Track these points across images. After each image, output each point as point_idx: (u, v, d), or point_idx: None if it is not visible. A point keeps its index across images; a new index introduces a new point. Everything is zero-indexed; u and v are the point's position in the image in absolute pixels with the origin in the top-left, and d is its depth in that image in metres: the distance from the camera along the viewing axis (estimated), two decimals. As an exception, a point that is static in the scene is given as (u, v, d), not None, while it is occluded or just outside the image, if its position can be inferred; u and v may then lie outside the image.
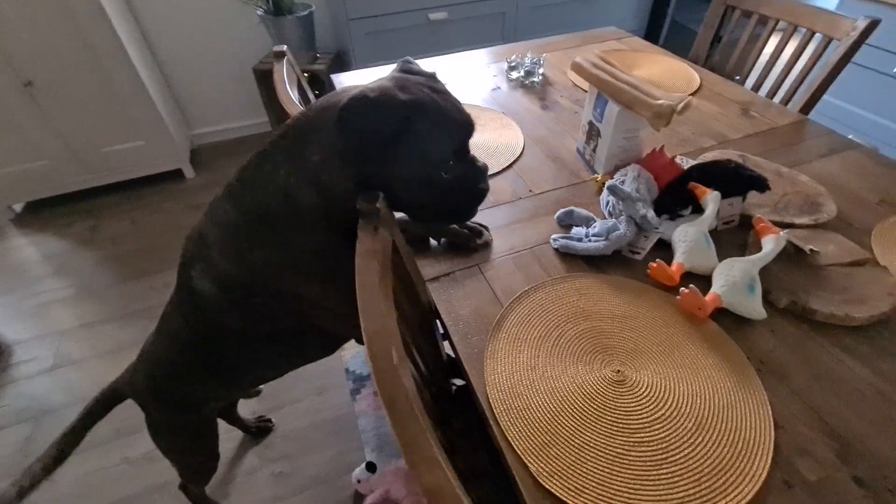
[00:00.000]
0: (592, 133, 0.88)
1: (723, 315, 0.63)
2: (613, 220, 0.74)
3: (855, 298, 0.62)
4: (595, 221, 0.76)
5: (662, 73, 1.23)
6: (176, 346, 0.68)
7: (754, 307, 0.61)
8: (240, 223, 0.57)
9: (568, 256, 0.73)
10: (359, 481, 1.11)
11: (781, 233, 0.68)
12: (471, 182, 0.62)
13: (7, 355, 1.58)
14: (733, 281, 0.62)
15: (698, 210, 0.75)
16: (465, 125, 0.59)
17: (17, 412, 1.41)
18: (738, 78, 1.29)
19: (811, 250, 0.68)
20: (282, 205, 0.55)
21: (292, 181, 0.55)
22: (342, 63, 2.23)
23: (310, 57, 2.14)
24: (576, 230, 0.76)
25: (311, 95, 1.09)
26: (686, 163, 0.87)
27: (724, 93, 1.14)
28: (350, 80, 1.26)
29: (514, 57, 1.26)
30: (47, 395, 1.45)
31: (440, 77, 1.23)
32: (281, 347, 0.68)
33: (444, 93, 0.58)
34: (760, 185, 0.73)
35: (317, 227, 0.56)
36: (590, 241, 0.73)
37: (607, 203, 0.78)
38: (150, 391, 0.76)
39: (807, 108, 1.08)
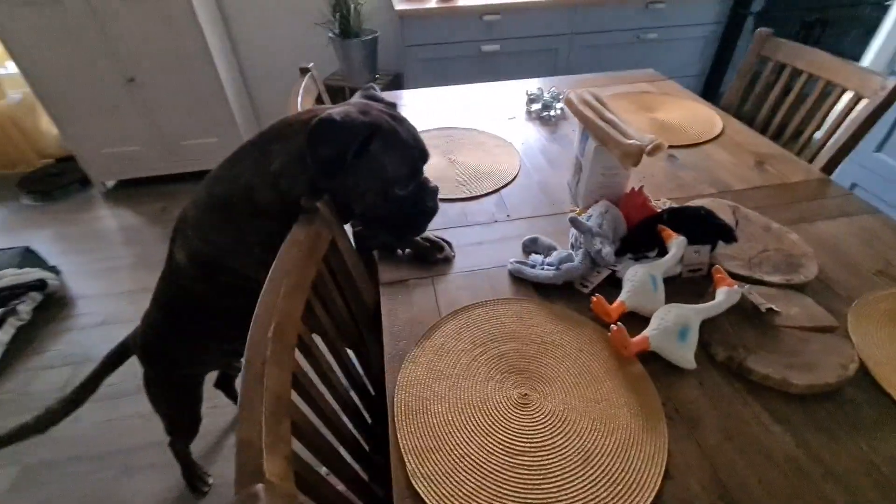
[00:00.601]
0: (577, 167, 0.90)
1: (654, 359, 0.61)
2: (570, 251, 0.75)
3: (801, 364, 0.58)
4: (556, 250, 0.78)
5: (683, 117, 1.21)
6: (157, 306, 0.79)
7: (683, 355, 0.59)
8: (210, 208, 0.66)
9: (520, 281, 0.75)
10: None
11: (736, 286, 0.65)
12: (420, 201, 0.68)
13: (70, 306, 1.83)
14: (665, 325, 0.61)
15: (665, 253, 0.73)
16: (417, 151, 0.66)
17: (64, 356, 1.63)
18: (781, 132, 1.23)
19: (768, 309, 0.65)
20: (243, 198, 0.64)
21: (256, 181, 0.63)
22: (399, 84, 2.38)
23: (369, 77, 2.31)
24: (533, 257, 0.77)
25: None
26: (669, 207, 0.85)
27: (745, 143, 1.10)
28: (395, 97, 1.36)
29: (536, 90, 1.30)
30: (92, 346, 1.66)
31: (464, 98, 1.30)
32: (238, 323, 0.76)
33: (401, 120, 0.66)
34: (727, 235, 0.71)
35: (270, 221, 0.64)
36: (542, 269, 0.74)
37: (572, 235, 0.79)
38: (140, 347, 0.87)
39: (831, 166, 1.02)
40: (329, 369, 0.59)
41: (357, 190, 0.63)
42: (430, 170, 1.02)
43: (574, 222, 0.73)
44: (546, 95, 1.26)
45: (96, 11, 1.88)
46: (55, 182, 2.42)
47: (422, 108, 1.31)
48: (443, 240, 0.81)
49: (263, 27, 2.35)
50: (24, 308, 1.71)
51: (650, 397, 0.57)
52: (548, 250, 0.79)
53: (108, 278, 1.96)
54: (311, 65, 1.05)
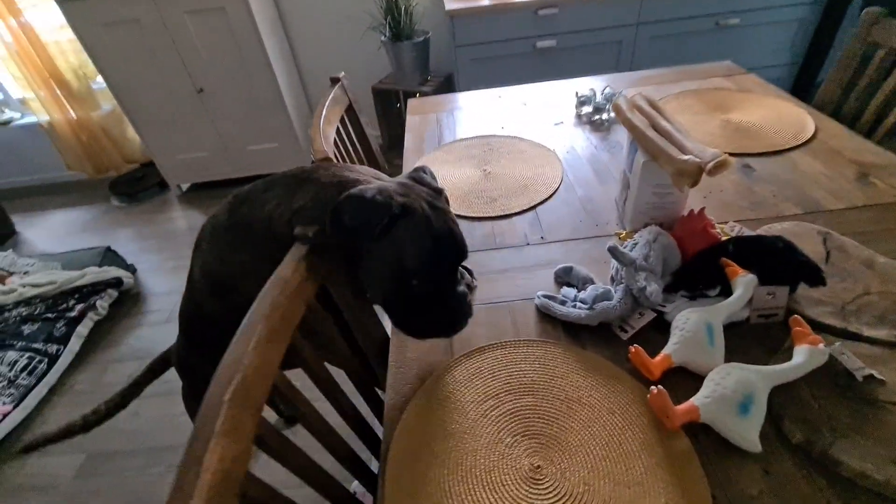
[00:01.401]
0: (625, 184, 0.78)
1: (706, 432, 0.50)
2: (610, 287, 0.64)
3: (914, 459, 0.44)
4: (592, 284, 0.67)
5: (765, 117, 1.02)
6: (180, 322, 0.79)
7: (744, 432, 0.47)
8: (230, 227, 0.64)
9: (548, 319, 0.65)
10: (354, 493, 1.13)
11: (822, 344, 0.51)
12: (444, 304, 0.60)
13: (142, 303, 1.97)
14: (722, 393, 0.49)
15: (729, 294, 0.60)
16: (450, 246, 0.58)
17: (134, 350, 1.76)
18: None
19: (867, 377, 0.50)
20: (263, 226, 0.60)
21: (277, 212, 0.60)
22: (450, 86, 2.32)
23: (420, 79, 2.27)
24: (565, 290, 0.67)
25: (348, 130, 1.16)
26: (738, 233, 0.71)
27: (843, 149, 0.91)
28: (434, 104, 1.31)
29: (588, 90, 1.17)
30: (158, 342, 1.78)
31: (510, 101, 1.21)
32: None
33: (441, 210, 0.58)
34: (811, 275, 0.57)
35: (282, 251, 0.60)
36: (574, 305, 0.64)
37: (612, 266, 0.68)
38: (175, 360, 0.89)
39: (965, 180, 0.80)
40: (319, 419, 0.54)
41: (370, 270, 0.58)
42: (462, 182, 0.95)
43: (614, 252, 0.63)
44: (598, 97, 1.14)
45: (168, 27, 2.01)
46: (139, 185, 2.64)
47: (463, 112, 1.23)
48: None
49: (319, 35, 2.39)
50: (102, 304, 1.87)
51: (697, 484, 0.46)
52: (584, 283, 0.68)
53: (176, 276, 2.10)
54: (341, 74, 1.02)
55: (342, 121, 1.01)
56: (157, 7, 1.96)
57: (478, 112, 1.23)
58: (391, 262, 0.56)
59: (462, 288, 0.61)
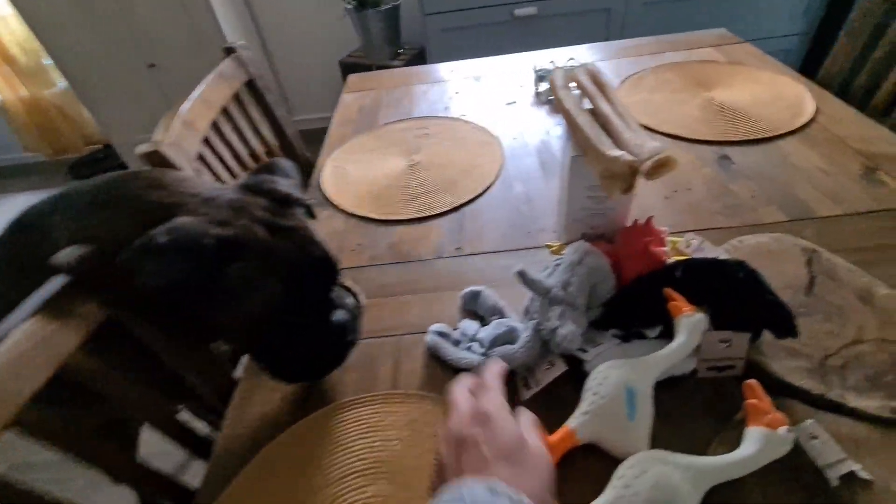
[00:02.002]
0: (563, 182, 0.61)
1: (612, 549, 0.35)
2: (517, 324, 0.49)
3: None
4: (500, 318, 0.52)
5: (756, 96, 0.84)
6: None
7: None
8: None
9: (440, 361, 0.50)
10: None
11: (784, 428, 0.36)
12: (309, 342, 0.46)
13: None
14: (631, 501, 0.34)
15: (672, 335, 0.45)
16: (309, 277, 0.44)
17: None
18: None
19: (846, 475, 0.35)
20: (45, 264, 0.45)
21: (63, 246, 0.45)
22: (423, 60, 2.12)
23: (391, 52, 2.07)
24: (465, 325, 0.52)
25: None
26: (696, 252, 0.55)
27: (848, 137, 0.73)
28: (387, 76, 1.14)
29: (549, 63, 0.99)
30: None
31: (464, 77, 1.04)
32: None
33: (288, 229, 0.43)
34: (779, 324, 0.41)
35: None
36: (469, 347, 0.49)
37: (529, 296, 0.52)
38: None
39: None
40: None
41: (213, 321, 0.43)
42: (380, 177, 0.79)
43: (523, 278, 0.47)
44: (577, 67, 0.95)
45: (115, -3, 1.83)
46: (99, 167, 2.50)
47: (407, 90, 1.06)
48: (346, 287, 0.58)
49: (282, 5, 2.19)
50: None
51: None
52: (491, 314, 0.53)
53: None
54: (240, 42, 0.85)
55: (239, 104, 0.85)
56: (97, -28, 1.77)
57: (423, 89, 1.06)
58: (234, 309, 0.42)
59: (340, 315, 0.47)
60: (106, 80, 2.08)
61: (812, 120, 0.77)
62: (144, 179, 0.46)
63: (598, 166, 0.46)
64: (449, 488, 0.29)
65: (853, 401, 0.39)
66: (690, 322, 0.43)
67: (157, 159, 0.55)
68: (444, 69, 1.15)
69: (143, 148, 0.55)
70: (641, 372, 0.41)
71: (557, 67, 0.64)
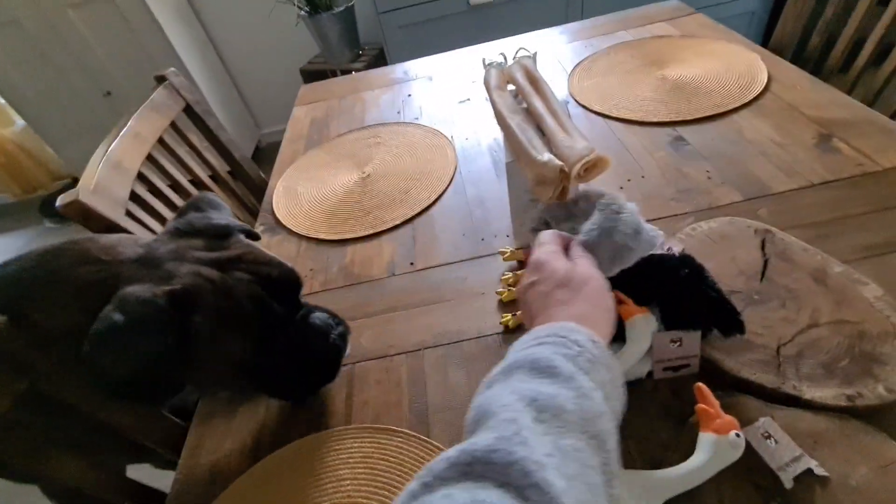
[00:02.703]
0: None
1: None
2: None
3: None
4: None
5: (710, 69, 0.82)
6: None
7: None
8: None
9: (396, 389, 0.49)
10: None
11: (734, 432, 0.34)
12: (307, 343, 0.45)
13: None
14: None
15: (622, 340, 0.43)
16: (272, 287, 0.43)
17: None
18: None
19: (802, 475, 0.34)
20: None
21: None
22: (383, 60, 2.08)
23: (352, 55, 2.03)
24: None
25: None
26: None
27: (802, 104, 0.71)
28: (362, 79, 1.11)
29: (500, 55, 0.97)
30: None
31: (416, 77, 1.02)
32: None
33: (234, 260, 0.42)
34: (724, 321, 0.39)
35: None
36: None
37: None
38: None
39: (955, 134, 0.61)
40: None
41: (199, 378, 0.42)
42: (331, 194, 0.77)
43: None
44: (510, 63, 0.93)
45: (53, 25, 1.77)
46: (71, 203, 2.45)
47: (360, 96, 1.03)
48: (331, 314, 0.54)
49: (238, 16, 2.14)
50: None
51: None
52: (443, 332, 0.51)
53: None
54: (170, 70, 0.82)
55: (179, 134, 0.82)
56: (35, 3, 1.72)
57: (375, 95, 1.03)
58: (216, 361, 0.41)
59: (320, 314, 0.48)
60: (62, 114, 2.03)
61: (765, 89, 0.75)
62: (70, 256, 0.42)
63: (531, 172, 0.44)
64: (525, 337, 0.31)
65: (808, 392, 0.38)
66: (639, 322, 0.41)
67: (78, 210, 0.52)
68: (398, 71, 1.13)
69: (62, 199, 0.52)
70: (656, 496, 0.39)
71: (489, 65, 0.62)
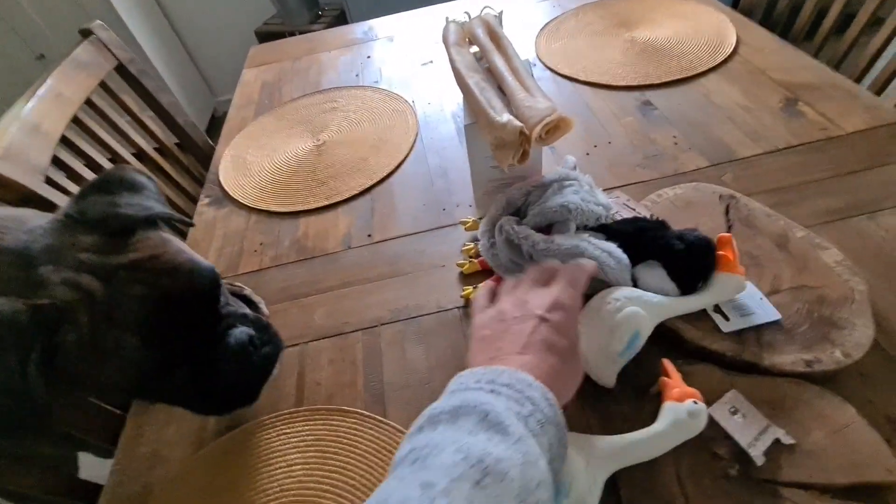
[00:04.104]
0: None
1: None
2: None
3: None
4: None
5: (679, 31, 0.80)
6: None
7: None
8: None
9: (352, 368, 0.46)
10: None
11: (691, 401, 0.33)
12: (212, 379, 0.38)
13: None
14: None
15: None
16: (173, 304, 0.35)
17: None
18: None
19: (764, 453, 0.33)
20: None
21: None
22: (344, 22, 1.97)
23: (310, 16, 1.91)
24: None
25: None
26: (610, 217, 0.51)
27: (769, 68, 0.70)
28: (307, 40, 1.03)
29: (464, 14, 0.91)
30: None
31: (377, 38, 0.96)
32: None
33: (131, 267, 0.34)
34: (686, 276, 0.38)
35: None
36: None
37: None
38: None
39: (915, 98, 0.61)
40: None
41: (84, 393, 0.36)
42: (284, 163, 0.72)
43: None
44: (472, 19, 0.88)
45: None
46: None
47: (316, 58, 0.96)
48: (242, 293, 0.52)
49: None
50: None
51: None
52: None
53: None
54: (96, 23, 0.73)
55: (110, 94, 0.74)
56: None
57: (333, 56, 0.97)
58: (83, 386, 0.36)
59: (239, 333, 0.39)
60: (-11, 77, 1.85)
61: (734, 52, 0.74)
62: None
63: (490, 135, 0.41)
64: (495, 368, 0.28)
65: (767, 359, 0.38)
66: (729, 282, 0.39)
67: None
68: (356, 31, 1.06)
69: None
70: (653, 314, 0.38)
71: (451, 21, 0.57)
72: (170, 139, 0.88)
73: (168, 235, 0.39)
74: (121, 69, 0.75)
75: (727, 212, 0.49)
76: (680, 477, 0.33)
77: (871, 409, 0.35)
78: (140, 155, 0.78)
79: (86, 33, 0.72)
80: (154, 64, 1.89)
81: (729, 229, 0.48)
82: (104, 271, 0.33)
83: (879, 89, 0.73)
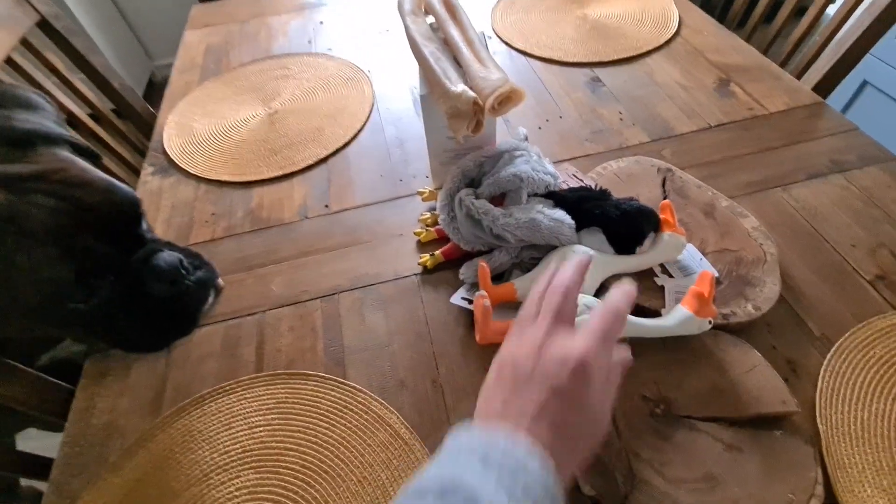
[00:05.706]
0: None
1: None
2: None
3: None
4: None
5: (629, 11, 0.83)
6: None
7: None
8: None
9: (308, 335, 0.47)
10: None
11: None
12: (140, 300, 0.37)
13: None
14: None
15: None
16: (88, 216, 0.34)
17: None
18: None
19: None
20: None
21: None
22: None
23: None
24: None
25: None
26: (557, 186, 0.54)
27: (706, 49, 0.74)
28: None
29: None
30: None
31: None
32: None
33: (36, 177, 0.33)
34: (622, 237, 0.42)
35: None
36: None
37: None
38: None
39: (827, 84, 0.67)
40: None
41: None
42: (234, 131, 0.70)
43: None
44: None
45: None
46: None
47: (266, 21, 0.92)
48: (194, 261, 0.50)
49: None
50: None
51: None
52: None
53: None
54: (14, -28, 0.66)
55: (33, 53, 0.68)
56: None
57: (283, 20, 0.93)
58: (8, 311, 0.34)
59: (167, 255, 0.38)
60: None
61: (676, 33, 0.78)
62: None
63: (445, 104, 0.42)
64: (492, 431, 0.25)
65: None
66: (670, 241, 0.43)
67: None
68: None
69: None
70: (605, 266, 0.43)
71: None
72: (105, 105, 0.82)
73: (75, 157, 0.37)
74: (44, 25, 0.69)
75: (664, 183, 0.53)
76: (615, 417, 0.38)
77: (775, 354, 0.41)
78: (72, 122, 0.72)
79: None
80: (81, 22, 1.72)
81: (665, 199, 0.52)
82: (4, 178, 0.32)
83: (800, 73, 0.80)
